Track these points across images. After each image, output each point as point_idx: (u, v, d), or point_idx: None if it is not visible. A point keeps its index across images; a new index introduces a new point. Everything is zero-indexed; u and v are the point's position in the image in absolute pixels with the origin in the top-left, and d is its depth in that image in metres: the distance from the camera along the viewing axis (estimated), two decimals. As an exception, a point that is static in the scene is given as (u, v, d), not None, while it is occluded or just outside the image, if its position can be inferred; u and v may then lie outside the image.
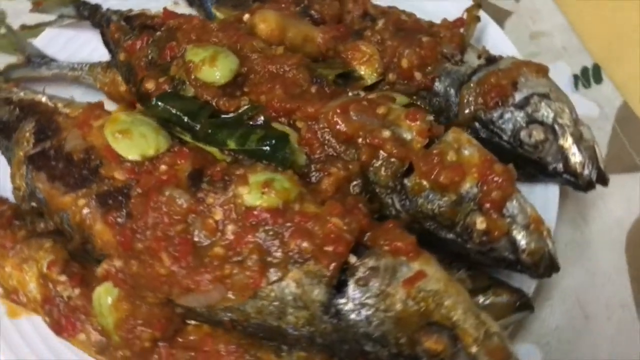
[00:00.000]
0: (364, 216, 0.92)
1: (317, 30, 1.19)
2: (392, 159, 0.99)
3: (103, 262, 0.98)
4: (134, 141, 0.97)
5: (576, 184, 1.11)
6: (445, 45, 1.20)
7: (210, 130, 1.00)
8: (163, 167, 0.96)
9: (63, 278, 1.02)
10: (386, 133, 0.99)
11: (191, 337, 0.98)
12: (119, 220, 0.95)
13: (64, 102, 1.12)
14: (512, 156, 1.14)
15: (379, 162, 1.00)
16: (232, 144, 0.98)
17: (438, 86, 1.18)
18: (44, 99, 1.12)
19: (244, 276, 0.88)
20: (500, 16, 1.55)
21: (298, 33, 1.18)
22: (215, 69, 1.05)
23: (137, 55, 1.18)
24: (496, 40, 1.33)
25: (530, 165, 1.14)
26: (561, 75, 1.45)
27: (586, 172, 1.10)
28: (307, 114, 1.01)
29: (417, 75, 1.18)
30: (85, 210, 0.98)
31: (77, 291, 1.01)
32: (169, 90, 1.07)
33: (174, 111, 1.01)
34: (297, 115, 1.02)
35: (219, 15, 1.28)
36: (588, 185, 1.10)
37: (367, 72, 1.19)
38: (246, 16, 1.19)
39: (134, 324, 0.96)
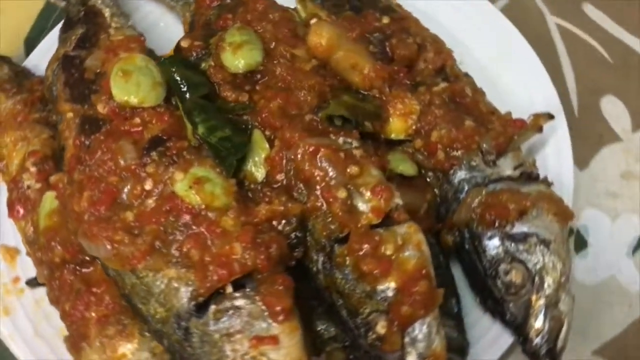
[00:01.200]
0: (267, 257, 0.89)
1: (371, 63, 1.14)
2: (334, 220, 0.95)
3: (57, 174, 1.06)
4: (127, 85, 1.02)
5: (523, 346, 0.99)
6: (486, 139, 1.09)
7: (193, 108, 1.02)
8: (136, 120, 1.00)
9: (33, 169, 1.12)
10: (342, 193, 0.94)
11: (93, 274, 1.04)
12: (81, 146, 1.02)
13: (119, 24, 1.20)
14: (479, 282, 1.04)
15: (321, 217, 0.95)
16: (200, 130, 0.99)
17: (454, 175, 1.09)
18: (106, 14, 1.21)
19: (130, 249, 0.91)
20: (605, 140, 1.36)
21: (348, 57, 1.13)
22: (235, 57, 1.06)
23: (202, 10, 1.22)
24: (555, 158, 1.18)
25: (492, 300, 1.03)
26: (625, 232, 1.26)
27: (537, 340, 0.97)
28: (284, 138, 0.99)
29: (440, 154, 1.10)
30: (70, 123, 1.06)
31: (37, 185, 1.11)
32: (190, 57, 1.10)
33: (175, 76, 1.04)
34: (277, 134, 1.00)
35: (300, 8, 1.26)
36: (533, 355, 0.97)
37: (397, 127, 1.13)
38: (313, 20, 1.17)
39: (54, 237, 1.04)
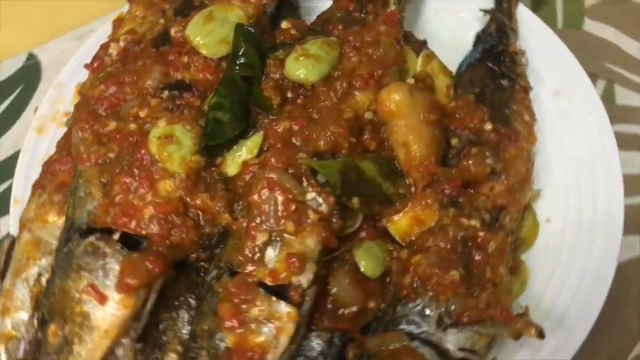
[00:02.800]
0: (162, 235, 0.93)
1: (426, 151, 1.04)
2: (240, 253, 0.93)
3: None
4: (202, 27, 1.07)
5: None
6: (457, 302, 0.96)
7: (225, 80, 1.03)
8: (184, 59, 1.06)
9: (121, 44, 1.24)
10: (262, 236, 0.91)
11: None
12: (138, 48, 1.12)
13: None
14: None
15: (236, 241, 0.95)
16: (211, 100, 1.01)
17: (402, 306, 0.99)
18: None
19: (86, 149, 0.99)
20: None
21: (407, 132, 1.04)
22: (297, 64, 1.04)
23: (335, 7, 1.21)
24: None
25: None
26: None
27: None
28: (266, 156, 0.96)
29: (407, 277, 0.99)
30: (153, 27, 1.16)
31: (115, 57, 1.23)
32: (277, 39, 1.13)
33: (240, 44, 1.06)
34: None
35: (421, 60, 1.17)
36: None
37: (400, 226, 1.03)
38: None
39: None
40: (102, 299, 0.89)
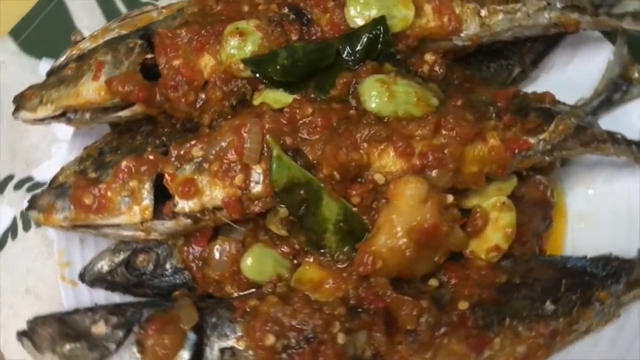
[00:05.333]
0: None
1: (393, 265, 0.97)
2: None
3: None
4: None
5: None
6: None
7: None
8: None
9: None
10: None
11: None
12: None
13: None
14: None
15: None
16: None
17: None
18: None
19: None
20: None
21: (390, 231, 0.96)
22: (373, 88, 1.01)
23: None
24: None
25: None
26: None
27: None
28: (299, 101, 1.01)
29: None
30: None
31: None
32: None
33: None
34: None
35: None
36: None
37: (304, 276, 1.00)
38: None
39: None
40: (96, 78, 1.05)
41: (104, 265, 1.09)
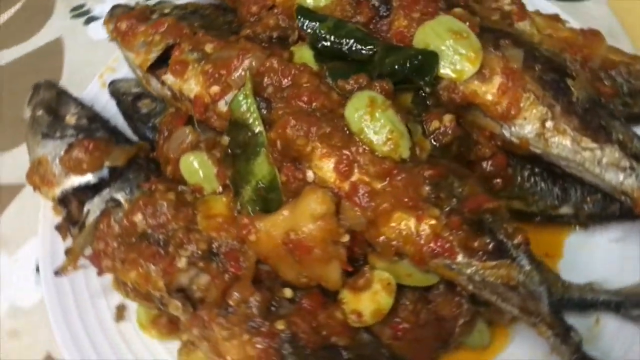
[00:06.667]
0: None
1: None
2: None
3: None
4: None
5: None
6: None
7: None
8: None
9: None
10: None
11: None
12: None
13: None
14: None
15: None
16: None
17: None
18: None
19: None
20: None
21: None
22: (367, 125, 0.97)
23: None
24: None
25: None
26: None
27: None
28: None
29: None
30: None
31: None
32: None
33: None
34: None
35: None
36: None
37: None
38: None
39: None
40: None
41: (125, 87, 1.27)
